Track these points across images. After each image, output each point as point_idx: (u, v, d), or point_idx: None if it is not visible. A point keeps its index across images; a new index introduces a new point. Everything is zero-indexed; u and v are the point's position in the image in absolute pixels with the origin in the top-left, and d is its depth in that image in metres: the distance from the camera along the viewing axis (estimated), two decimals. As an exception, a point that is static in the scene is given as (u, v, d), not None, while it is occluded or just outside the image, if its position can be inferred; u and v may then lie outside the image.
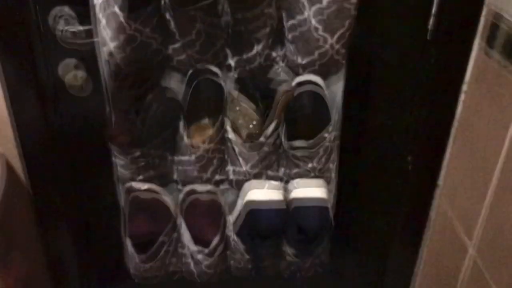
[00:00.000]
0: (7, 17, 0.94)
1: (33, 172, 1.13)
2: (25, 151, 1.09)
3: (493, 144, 0.94)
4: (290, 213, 1.02)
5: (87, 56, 0.99)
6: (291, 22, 0.89)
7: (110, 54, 0.88)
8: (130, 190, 1.04)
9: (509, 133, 0.89)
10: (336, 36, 0.88)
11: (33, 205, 1.16)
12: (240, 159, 0.99)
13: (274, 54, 0.95)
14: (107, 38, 0.86)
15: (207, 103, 1.01)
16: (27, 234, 1.19)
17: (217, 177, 1.06)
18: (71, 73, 1.01)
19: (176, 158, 1.03)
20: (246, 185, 1.03)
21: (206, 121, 1.03)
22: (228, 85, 0.99)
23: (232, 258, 1.11)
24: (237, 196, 1.06)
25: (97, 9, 0.84)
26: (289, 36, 0.91)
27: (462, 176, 1.07)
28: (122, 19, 0.81)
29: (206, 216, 1.06)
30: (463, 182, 1.06)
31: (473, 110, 1.02)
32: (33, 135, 1.08)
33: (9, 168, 1.10)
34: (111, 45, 0.86)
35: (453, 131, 1.09)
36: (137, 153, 0.96)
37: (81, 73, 1.01)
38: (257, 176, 1.03)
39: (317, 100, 0.96)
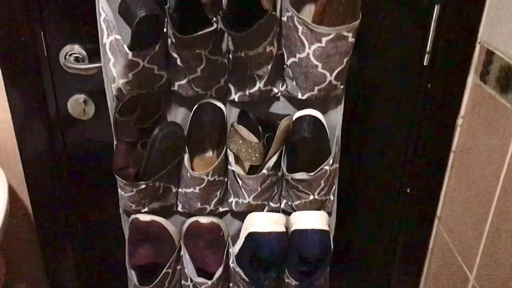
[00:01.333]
0: (20, 53, 0.99)
1: (36, 201, 1.15)
2: (30, 181, 1.12)
3: (490, 174, 0.97)
4: (291, 239, 1.04)
5: (96, 92, 1.03)
6: (291, 59, 0.93)
7: (119, 90, 0.92)
8: (134, 221, 1.05)
9: (506, 162, 0.91)
10: (335, 73, 0.91)
11: (36, 233, 1.18)
12: (243, 191, 1.01)
13: (275, 89, 0.99)
14: (116, 75, 0.89)
15: (211, 136, 1.04)
16: (29, 261, 1.20)
17: (220, 209, 1.08)
18: (79, 108, 1.04)
19: (180, 190, 1.05)
20: (248, 217, 1.04)
21: (210, 153, 1.06)
22: (231, 118, 1.02)
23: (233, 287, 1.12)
24: (240, 228, 1.08)
25: (107, 47, 0.88)
26: (290, 73, 0.95)
27: (460, 207, 1.09)
28: (130, 57, 0.85)
29: (209, 248, 1.08)
30: (461, 212, 1.08)
31: (469, 140, 1.05)
32: (39, 165, 1.11)
33: (13, 195, 1.12)
34: (120, 82, 0.90)
35: (450, 162, 1.12)
36: (143, 186, 0.98)
37: (89, 108, 1.05)
38: (259, 207, 1.05)
39: (316, 124, 0.98)
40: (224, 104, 1.00)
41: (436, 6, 0.97)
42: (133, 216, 1.06)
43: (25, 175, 1.10)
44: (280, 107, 1.02)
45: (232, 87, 0.98)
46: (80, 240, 1.23)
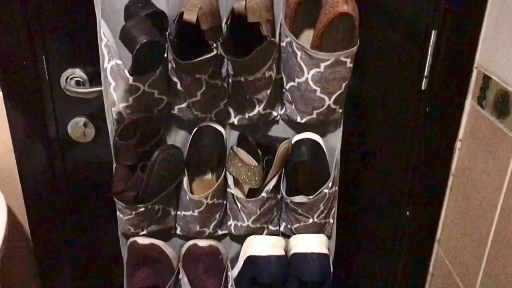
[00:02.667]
0: (21, 77, 1.00)
1: (35, 222, 1.15)
2: (28, 202, 1.12)
3: (489, 197, 0.97)
4: (290, 262, 1.03)
5: (96, 115, 1.04)
6: (290, 83, 0.94)
7: (119, 113, 0.92)
8: (133, 244, 1.05)
9: (505, 187, 0.92)
10: (333, 98, 0.92)
11: (34, 254, 1.18)
12: (242, 214, 1.01)
13: (274, 113, 1.00)
14: (116, 99, 0.90)
15: (210, 159, 1.04)
16: (27, 283, 1.19)
17: (219, 232, 1.08)
18: (79, 131, 1.05)
19: (179, 213, 1.05)
20: (247, 241, 1.04)
21: (209, 176, 1.06)
22: (231, 141, 1.03)
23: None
24: (239, 251, 1.08)
25: (108, 72, 0.89)
26: (289, 96, 0.96)
27: (460, 230, 1.09)
28: (131, 82, 0.86)
29: (208, 271, 1.07)
30: (461, 235, 1.08)
31: (468, 164, 1.05)
32: (38, 187, 1.11)
33: (11, 217, 1.12)
34: (120, 106, 0.90)
35: (449, 185, 1.12)
36: (141, 209, 0.98)
37: (89, 131, 1.05)
38: (258, 230, 1.04)
39: (315, 147, 0.99)
40: (224, 127, 1.01)
41: (433, 31, 0.98)
42: (131, 239, 1.05)
43: (24, 197, 1.10)
44: (279, 130, 1.03)
45: (231, 111, 0.99)
46: (78, 262, 1.23)
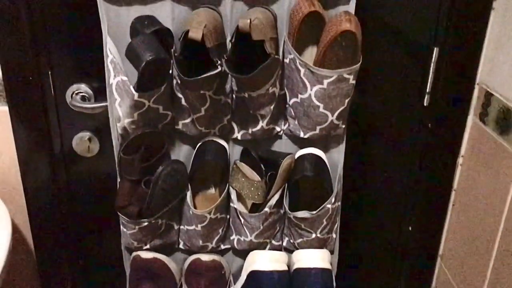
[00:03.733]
0: (27, 92, 1.00)
1: (38, 236, 1.15)
2: (32, 216, 1.13)
3: (492, 213, 0.97)
4: (293, 277, 1.03)
5: (101, 129, 1.04)
6: (293, 99, 0.95)
7: (124, 129, 0.93)
8: (136, 258, 1.05)
9: (508, 202, 0.92)
10: (336, 113, 0.93)
11: (37, 268, 1.18)
12: (245, 228, 1.02)
13: (278, 128, 1.00)
14: (122, 115, 0.91)
15: (214, 174, 1.05)
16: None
17: (222, 246, 1.08)
18: (84, 145, 1.06)
19: (182, 227, 1.06)
20: (250, 255, 1.04)
21: (212, 190, 1.07)
22: (234, 156, 1.03)
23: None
24: (242, 266, 1.08)
25: (113, 88, 0.90)
26: (292, 112, 0.97)
27: (463, 245, 1.09)
28: (136, 98, 0.87)
29: (210, 286, 1.07)
30: (464, 250, 1.08)
31: (470, 179, 1.05)
32: (42, 201, 1.12)
33: (15, 230, 1.12)
34: (125, 121, 0.91)
35: (451, 200, 1.13)
36: (145, 223, 0.98)
37: (94, 145, 1.06)
38: (261, 245, 1.05)
39: (318, 162, 0.99)
40: (227, 142, 1.02)
41: (435, 49, 0.99)
42: (134, 253, 1.06)
43: (28, 211, 1.11)
44: (282, 145, 1.03)
45: (235, 126, 0.99)
46: (81, 276, 1.22)
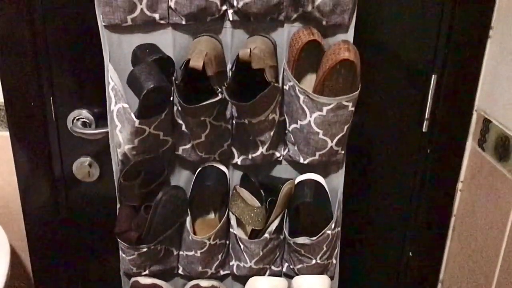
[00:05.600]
0: (29, 118, 1.01)
1: (37, 261, 1.14)
2: (31, 241, 1.12)
3: (492, 239, 0.97)
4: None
5: (101, 155, 1.05)
6: (293, 125, 0.95)
7: (124, 155, 0.93)
8: (134, 284, 1.04)
9: (508, 227, 0.92)
10: (335, 140, 0.93)
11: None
12: (245, 254, 1.01)
13: (277, 153, 1.01)
14: (122, 141, 0.91)
15: (213, 199, 1.05)
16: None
17: (221, 272, 1.08)
18: (84, 170, 1.06)
19: (181, 253, 1.05)
20: (250, 282, 1.03)
21: (212, 215, 1.06)
22: (234, 181, 1.04)
23: None
24: (241, 292, 1.07)
25: (114, 114, 0.90)
26: (292, 138, 0.97)
27: (463, 271, 1.08)
28: (137, 124, 0.87)
29: (209, 312, 1.06)
30: (465, 276, 1.07)
31: (470, 205, 1.05)
32: (41, 226, 1.12)
33: (14, 256, 1.12)
34: (126, 147, 0.92)
35: (451, 225, 1.13)
36: (144, 249, 0.98)
37: (94, 170, 1.06)
38: (261, 271, 1.04)
39: (318, 188, 0.99)
40: (227, 167, 1.02)
41: (433, 76, 1.00)
42: (133, 279, 1.05)
43: (27, 235, 1.10)
44: (282, 170, 1.04)
45: (235, 151, 1.00)
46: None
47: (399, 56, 1.01)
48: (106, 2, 0.85)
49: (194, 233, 1.01)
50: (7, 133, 1.02)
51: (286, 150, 1.00)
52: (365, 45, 0.93)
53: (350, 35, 0.91)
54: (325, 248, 1.01)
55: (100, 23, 0.88)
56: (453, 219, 1.12)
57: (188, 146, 0.97)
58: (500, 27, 0.94)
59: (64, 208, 1.11)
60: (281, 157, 1.02)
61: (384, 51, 1.00)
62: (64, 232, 1.14)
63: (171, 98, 0.90)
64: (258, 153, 0.97)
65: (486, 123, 0.97)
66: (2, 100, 1.00)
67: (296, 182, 1.00)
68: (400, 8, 0.97)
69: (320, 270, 1.04)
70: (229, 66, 0.92)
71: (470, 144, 1.04)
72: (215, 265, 1.04)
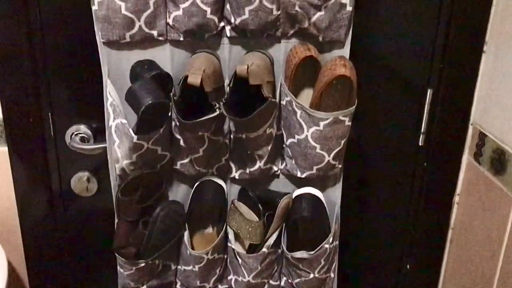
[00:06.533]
0: (27, 133, 1.02)
1: (35, 276, 1.14)
2: (29, 257, 1.12)
3: (489, 252, 0.97)
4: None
5: (99, 169, 1.05)
6: (290, 140, 0.96)
7: (122, 170, 0.94)
8: (132, 299, 1.04)
9: (505, 240, 0.92)
10: (332, 154, 0.94)
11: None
12: (243, 269, 1.01)
13: (275, 167, 1.01)
14: (120, 156, 0.92)
15: (211, 213, 1.05)
16: None
17: (219, 287, 1.07)
18: (83, 185, 1.06)
19: (179, 267, 1.05)
20: (248, 296, 1.03)
21: (210, 230, 1.07)
22: (232, 195, 1.04)
23: None
24: (239, 306, 1.07)
25: (112, 130, 0.91)
26: (289, 152, 0.98)
27: (461, 284, 1.08)
28: (135, 140, 0.88)
29: (208, 327, 1.06)
30: (463, 290, 1.07)
31: (467, 218, 1.06)
32: (39, 241, 1.11)
33: (11, 272, 1.11)
34: (124, 162, 0.92)
35: (449, 238, 1.13)
36: (142, 264, 0.98)
37: (92, 185, 1.06)
38: (259, 286, 1.04)
39: (316, 202, 1.00)
40: (225, 181, 1.02)
41: (429, 90, 1.01)
42: (131, 294, 1.05)
43: (24, 250, 1.10)
44: (280, 184, 1.04)
45: (233, 165, 1.00)
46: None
47: (395, 71, 1.02)
48: (104, 19, 0.86)
49: (192, 248, 1.01)
50: (6, 149, 1.02)
51: (284, 164, 1.01)
52: (362, 60, 0.94)
53: (346, 51, 0.92)
54: (323, 262, 1.01)
55: (99, 39, 0.89)
56: (450, 232, 1.12)
57: (186, 160, 0.97)
58: (494, 42, 0.96)
59: (62, 223, 1.11)
60: (279, 171, 1.03)
61: (380, 66, 1.01)
62: (61, 247, 1.13)
63: (169, 114, 0.91)
64: (256, 167, 0.98)
65: (482, 137, 0.98)
66: (1, 116, 1.00)
67: (293, 196, 1.01)
68: (395, 23, 0.98)
69: (318, 284, 1.04)
70: (226, 82, 0.93)
71: (466, 157, 1.04)
72: (213, 279, 1.04)
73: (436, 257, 1.15)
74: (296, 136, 0.94)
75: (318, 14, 0.87)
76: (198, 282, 1.03)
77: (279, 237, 1.01)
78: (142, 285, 1.02)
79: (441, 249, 1.14)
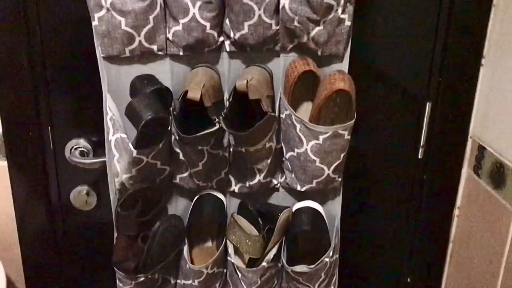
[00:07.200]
0: (27, 148, 1.02)
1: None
2: (28, 270, 1.12)
3: (490, 266, 0.97)
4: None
5: (99, 183, 1.05)
6: (290, 153, 0.96)
7: (122, 184, 0.93)
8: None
9: (505, 254, 0.92)
10: (332, 167, 0.94)
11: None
12: (242, 283, 1.00)
13: (275, 181, 1.01)
14: (120, 170, 0.92)
15: (211, 227, 1.05)
16: None
17: (219, 301, 1.07)
18: (82, 199, 1.06)
19: (178, 281, 1.04)
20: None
21: (209, 243, 1.06)
22: (231, 209, 1.04)
23: None
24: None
25: (112, 144, 0.91)
26: (289, 165, 0.98)
27: (462, 298, 1.08)
28: (135, 154, 0.88)
29: None
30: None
31: (467, 231, 1.06)
32: (38, 255, 1.11)
33: (10, 286, 1.11)
34: (123, 177, 0.92)
35: (449, 252, 1.13)
36: (141, 278, 0.97)
37: (91, 199, 1.06)
38: (259, 300, 1.03)
39: (316, 216, 1.00)
40: (224, 195, 1.02)
41: (427, 103, 1.02)
42: (130, 309, 1.04)
43: (23, 264, 1.10)
44: (279, 197, 1.04)
45: (232, 179, 1.00)
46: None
47: (394, 84, 1.02)
48: (104, 34, 0.86)
49: (192, 262, 1.00)
50: (5, 163, 1.02)
51: (283, 177, 1.01)
52: (360, 74, 0.94)
53: (345, 65, 0.93)
54: (323, 276, 1.00)
55: (99, 54, 0.89)
56: (450, 245, 1.12)
57: (185, 174, 0.97)
58: (491, 56, 0.96)
59: (61, 237, 1.11)
60: (279, 185, 1.03)
61: (379, 80, 1.02)
62: (60, 261, 1.13)
63: (169, 128, 0.91)
64: (256, 180, 0.98)
65: (481, 150, 0.98)
66: (0, 130, 1.01)
67: (293, 209, 1.00)
68: (394, 38, 0.99)
69: (319, 298, 1.04)
70: (226, 96, 0.93)
71: (466, 170, 1.05)
72: (212, 294, 1.04)
73: (436, 270, 1.14)
74: (296, 150, 0.94)
75: (317, 29, 0.87)
76: (197, 297, 1.03)
77: (279, 251, 1.01)
78: (141, 300, 1.02)
79: (441, 262, 1.13)
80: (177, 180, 0.98)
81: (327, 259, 0.99)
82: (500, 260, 0.94)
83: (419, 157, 1.05)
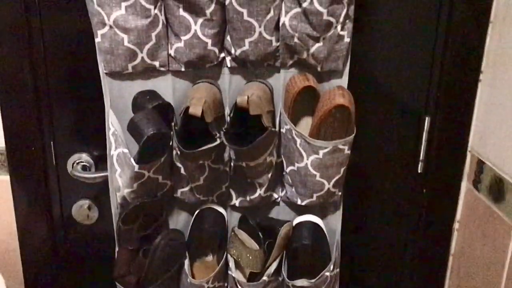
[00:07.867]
0: (29, 163, 1.02)
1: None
2: (29, 286, 1.12)
3: (490, 280, 0.97)
4: None
5: (101, 198, 1.06)
6: (290, 167, 0.97)
7: (123, 198, 0.94)
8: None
9: (506, 268, 0.92)
10: (332, 182, 0.95)
11: None
12: (243, 297, 1.01)
13: (275, 195, 1.02)
14: (122, 185, 0.92)
15: (212, 241, 1.05)
16: None
17: (220, 315, 1.07)
18: (84, 213, 1.07)
19: (179, 296, 1.05)
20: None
21: (210, 257, 1.06)
22: (232, 223, 1.04)
23: None
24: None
25: (114, 159, 0.92)
26: (289, 179, 0.98)
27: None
28: (137, 169, 0.88)
29: None
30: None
31: (467, 245, 1.06)
32: (39, 269, 1.11)
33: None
34: (125, 191, 0.93)
35: (449, 265, 1.13)
36: (142, 293, 0.97)
37: (93, 213, 1.07)
38: (260, 314, 1.03)
39: (316, 230, 1.00)
40: (225, 209, 1.03)
41: (426, 118, 1.02)
42: (131, 323, 1.04)
43: (24, 281, 1.10)
44: (280, 211, 1.04)
45: (233, 193, 1.01)
46: None
47: (393, 99, 1.03)
48: (107, 50, 0.87)
49: (192, 276, 1.01)
50: (8, 177, 1.03)
51: (284, 191, 1.02)
52: (360, 89, 0.95)
53: (344, 80, 0.94)
54: (324, 290, 1.01)
55: (101, 70, 0.90)
56: (450, 258, 1.12)
57: (186, 188, 0.98)
58: (490, 71, 0.97)
59: (63, 251, 1.11)
60: (279, 199, 1.03)
61: (378, 95, 1.03)
62: (62, 275, 1.13)
63: (170, 143, 0.92)
64: (256, 195, 0.98)
65: (480, 164, 0.99)
66: (3, 145, 1.01)
67: (294, 223, 1.01)
68: (392, 53, 1.00)
69: (320, 312, 1.03)
70: (227, 111, 0.94)
71: (465, 185, 1.05)
72: (213, 308, 1.04)
73: (437, 284, 1.14)
74: (296, 164, 0.95)
75: (317, 45, 0.89)
76: (198, 311, 1.03)
77: (279, 265, 1.01)
78: (142, 314, 1.02)
79: (441, 276, 1.13)
80: (178, 194, 0.99)
81: (327, 273, 0.99)
82: (501, 274, 0.94)
83: (419, 171, 1.06)
